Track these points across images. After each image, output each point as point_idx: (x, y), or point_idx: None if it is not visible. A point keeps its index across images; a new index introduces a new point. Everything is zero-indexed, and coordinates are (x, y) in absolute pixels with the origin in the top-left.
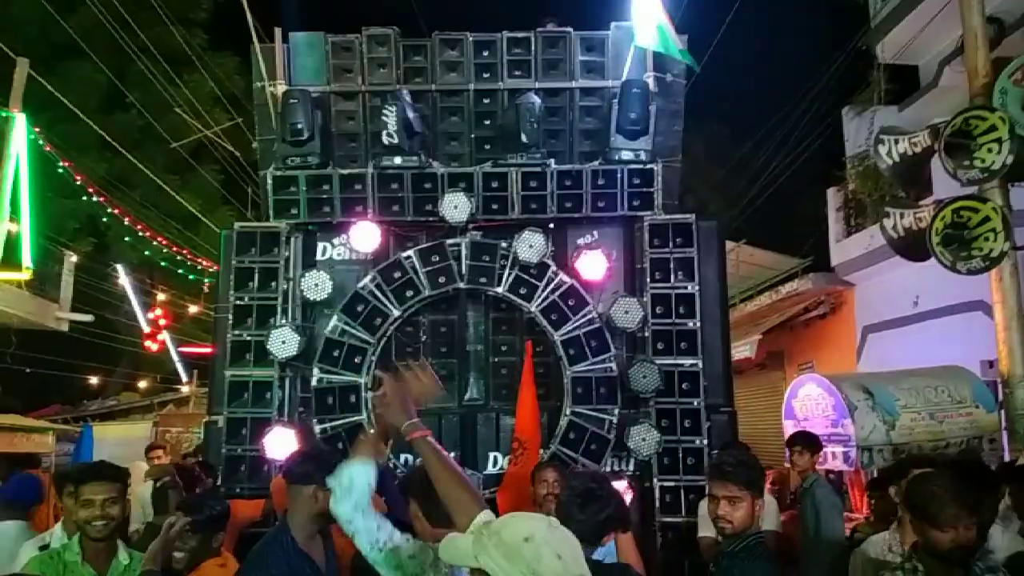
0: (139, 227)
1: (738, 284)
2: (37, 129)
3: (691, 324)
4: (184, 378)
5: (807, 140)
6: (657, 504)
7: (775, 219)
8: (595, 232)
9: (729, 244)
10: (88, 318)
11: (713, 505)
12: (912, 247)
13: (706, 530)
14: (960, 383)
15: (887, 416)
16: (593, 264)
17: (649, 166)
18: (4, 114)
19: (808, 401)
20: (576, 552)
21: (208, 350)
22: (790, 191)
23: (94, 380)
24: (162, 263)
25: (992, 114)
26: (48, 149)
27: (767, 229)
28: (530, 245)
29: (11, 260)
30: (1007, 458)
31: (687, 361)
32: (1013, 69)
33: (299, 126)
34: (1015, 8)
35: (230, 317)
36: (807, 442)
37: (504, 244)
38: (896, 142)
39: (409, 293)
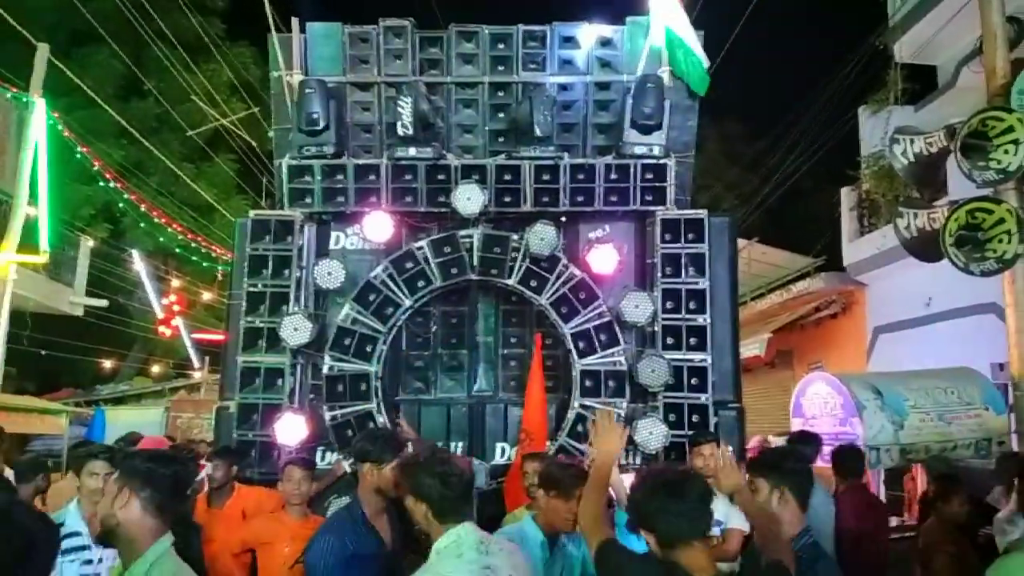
0: (155, 214)
1: (749, 282)
2: (56, 115)
3: (701, 320)
4: (196, 364)
5: (822, 139)
6: None
7: (788, 218)
8: (607, 226)
9: (741, 242)
10: (102, 303)
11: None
12: (925, 248)
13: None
14: (970, 385)
15: (895, 416)
16: (604, 258)
17: (662, 161)
18: (24, 99)
19: (816, 399)
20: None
21: (221, 337)
22: (804, 190)
23: (107, 364)
24: (177, 250)
25: (1010, 115)
26: (66, 135)
27: (780, 228)
28: (541, 238)
29: (28, 244)
30: None
31: (696, 356)
32: None
33: (315, 115)
34: None
35: (243, 304)
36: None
37: (516, 236)
38: (911, 142)
39: (421, 283)
